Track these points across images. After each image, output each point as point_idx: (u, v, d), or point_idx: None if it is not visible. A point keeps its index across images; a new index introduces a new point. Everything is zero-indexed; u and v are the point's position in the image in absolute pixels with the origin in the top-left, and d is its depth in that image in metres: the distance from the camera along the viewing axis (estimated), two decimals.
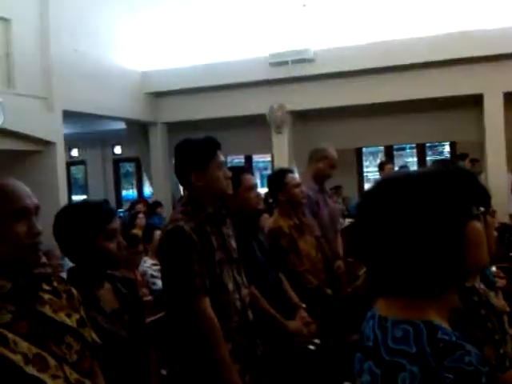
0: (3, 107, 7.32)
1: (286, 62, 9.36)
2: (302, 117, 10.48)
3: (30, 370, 1.34)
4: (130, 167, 14.52)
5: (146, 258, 4.54)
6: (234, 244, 2.37)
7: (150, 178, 11.94)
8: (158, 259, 4.53)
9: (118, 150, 13.85)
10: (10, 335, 1.34)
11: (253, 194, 2.86)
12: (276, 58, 9.45)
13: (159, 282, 4.34)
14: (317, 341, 2.69)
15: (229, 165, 2.77)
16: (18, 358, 1.33)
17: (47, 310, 1.46)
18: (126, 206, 12.24)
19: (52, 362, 1.40)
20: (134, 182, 14.29)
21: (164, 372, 2.44)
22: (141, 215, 7.50)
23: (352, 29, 9.12)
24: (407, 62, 8.65)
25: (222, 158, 2.31)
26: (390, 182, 1.04)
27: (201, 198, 2.25)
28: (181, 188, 10.67)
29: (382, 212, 0.99)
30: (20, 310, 1.39)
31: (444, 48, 8.33)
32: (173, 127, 11.06)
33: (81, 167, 14.51)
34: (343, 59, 8.94)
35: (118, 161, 14.07)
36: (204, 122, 10.14)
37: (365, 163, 11.84)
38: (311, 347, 2.63)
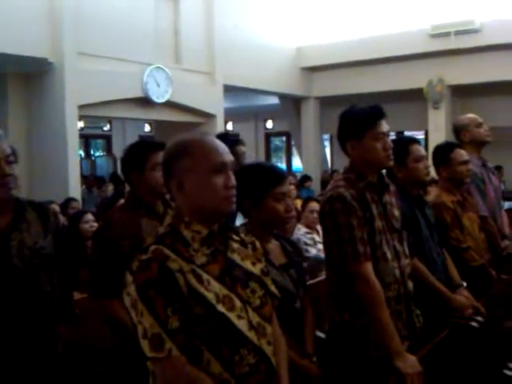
0: (171, 81, 7.91)
1: (449, 33, 8.89)
2: (461, 92, 9.90)
3: (221, 308, 1.48)
4: (280, 141, 14.87)
5: (299, 226, 4.66)
6: (396, 213, 2.33)
7: (299, 153, 12.13)
8: (311, 228, 4.69)
9: (269, 124, 14.26)
10: (205, 275, 1.49)
11: (421, 165, 2.80)
12: (438, 30, 9.03)
13: (312, 250, 4.47)
14: (480, 319, 2.60)
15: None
16: (211, 296, 1.47)
17: (236, 256, 1.60)
18: None
19: (238, 303, 1.52)
20: (284, 155, 14.62)
21: (321, 335, 2.52)
22: (292, 187, 7.64)
23: None
24: None
25: (383, 128, 2.22)
26: None
27: (361, 167, 2.25)
28: (329, 162, 10.68)
29: None
30: (213, 255, 1.54)
31: None
32: (325, 102, 11.07)
33: None
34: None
35: (269, 135, 14.50)
36: (357, 96, 10.01)
37: None
38: (474, 324, 2.55)
